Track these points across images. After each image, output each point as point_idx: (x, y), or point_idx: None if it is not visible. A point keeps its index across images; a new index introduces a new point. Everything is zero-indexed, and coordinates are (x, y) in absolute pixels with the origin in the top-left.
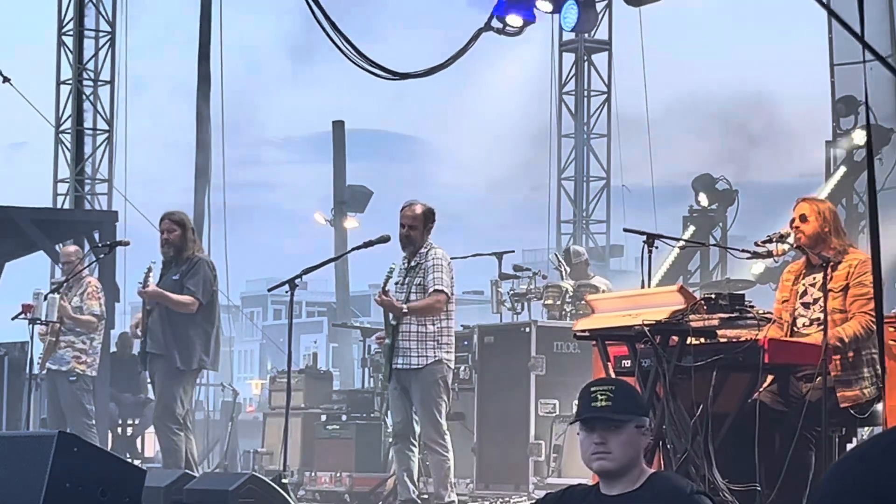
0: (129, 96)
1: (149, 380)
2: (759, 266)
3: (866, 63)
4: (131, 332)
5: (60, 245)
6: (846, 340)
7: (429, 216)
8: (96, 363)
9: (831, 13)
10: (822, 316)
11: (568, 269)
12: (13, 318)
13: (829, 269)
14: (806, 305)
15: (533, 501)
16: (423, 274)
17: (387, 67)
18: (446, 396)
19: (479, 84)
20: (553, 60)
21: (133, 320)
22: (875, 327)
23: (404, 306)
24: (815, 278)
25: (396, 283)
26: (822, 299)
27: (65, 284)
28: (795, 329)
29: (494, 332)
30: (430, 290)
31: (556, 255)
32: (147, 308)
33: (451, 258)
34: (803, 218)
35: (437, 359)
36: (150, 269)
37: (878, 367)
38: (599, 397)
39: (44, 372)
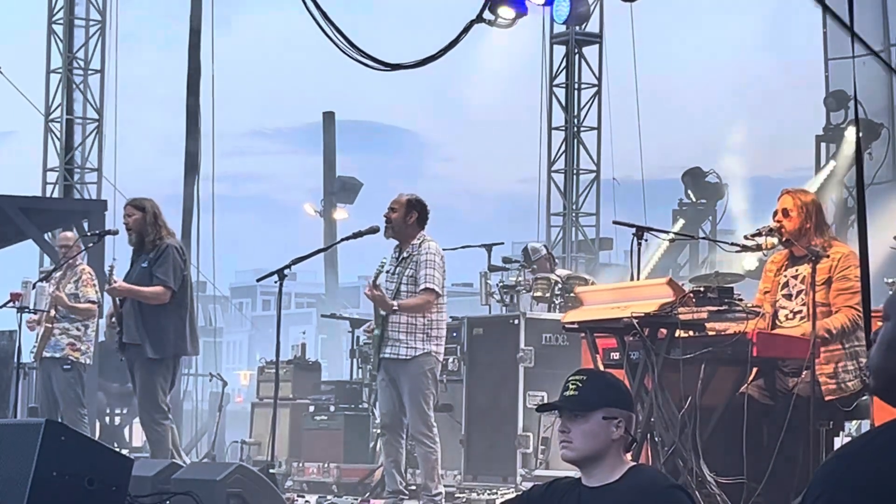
0: (118, 85)
1: (128, 371)
2: (751, 261)
3: (857, 58)
4: (106, 323)
5: (51, 234)
6: (833, 332)
7: (413, 204)
8: (90, 351)
9: (823, 5)
10: (804, 309)
11: (528, 266)
12: (1, 307)
13: (811, 263)
14: (788, 297)
15: (519, 493)
16: (416, 267)
17: (378, 58)
18: (434, 388)
19: (470, 76)
20: (544, 53)
21: (108, 311)
22: (861, 321)
23: (394, 303)
24: (797, 270)
25: (387, 272)
26: (804, 292)
27: (58, 272)
28: (777, 321)
29: (483, 323)
30: (421, 287)
31: (545, 247)
32: (119, 298)
33: (441, 249)
34: (786, 213)
35: (426, 351)
36: (112, 268)
37: (861, 359)
38: (570, 387)
39: (36, 362)
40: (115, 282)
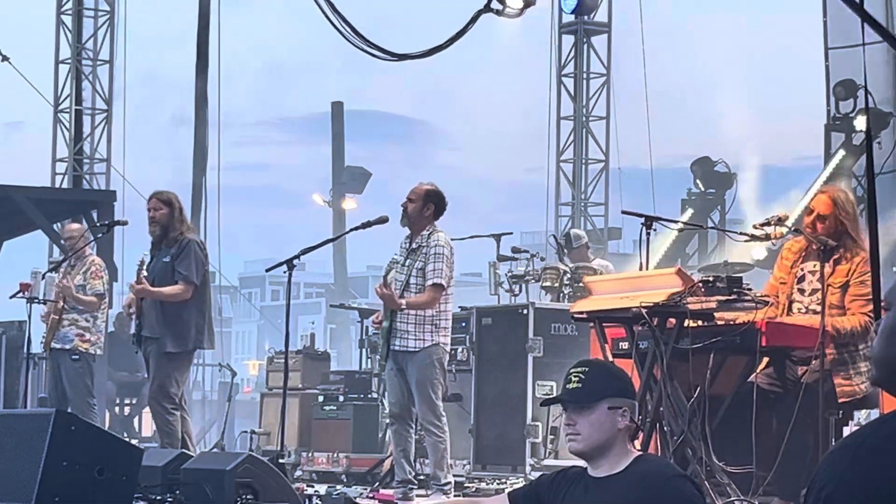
0: (127, 76)
1: (144, 361)
2: (760, 250)
3: (861, 48)
4: (124, 312)
5: (59, 224)
6: (842, 332)
7: (431, 195)
8: (100, 342)
9: None
10: (818, 308)
11: (566, 252)
12: (11, 297)
13: (832, 262)
14: (802, 292)
15: (528, 483)
16: (425, 259)
17: (386, 49)
18: (443, 378)
19: (479, 66)
20: (552, 42)
21: (125, 300)
22: (872, 328)
23: (402, 302)
24: (815, 265)
25: (397, 264)
26: (819, 291)
27: (67, 262)
28: (791, 313)
29: (492, 313)
30: (429, 282)
31: (554, 238)
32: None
33: (450, 239)
34: (822, 218)
35: (434, 342)
36: (142, 263)
37: None
38: (573, 379)
39: (45, 352)
40: (143, 281)
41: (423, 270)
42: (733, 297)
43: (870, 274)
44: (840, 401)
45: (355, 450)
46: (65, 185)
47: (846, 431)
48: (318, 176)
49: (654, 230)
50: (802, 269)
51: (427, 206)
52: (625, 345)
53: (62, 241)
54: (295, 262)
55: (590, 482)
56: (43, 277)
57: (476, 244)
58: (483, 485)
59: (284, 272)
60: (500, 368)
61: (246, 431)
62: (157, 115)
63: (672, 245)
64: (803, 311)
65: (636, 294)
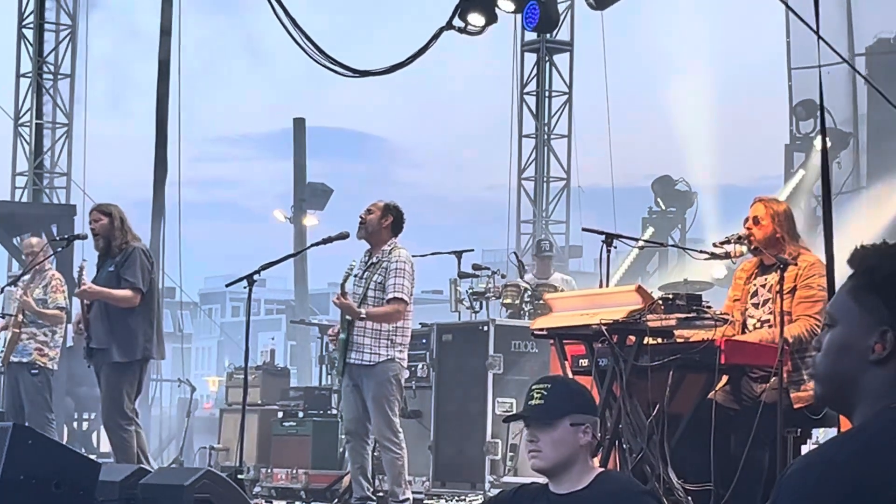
0: (88, 90)
1: (95, 376)
2: (720, 269)
3: (822, 67)
4: (74, 329)
5: (19, 238)
6: (789, 342)
7: (390, 209)
8: (58, 357)
9: (788, 7)
10: (770, 318)
11: (538, 257)
12: None
13: (779, 272)
14: (756, 306)
15: (487, 499)
16: (384, 274)
17: (347, 65)
18: (399, 394)
19: (441, 83)
20: (514, 60)
21: (75, 318)
22: (819, 330)
23: (362, 311)
24: (766, 279)
25: (355, 276)
26: (771, 300)
27: (26, 276)
28: (746, 330)
29: (453, 330)
30: (390, 296)
31: (515, 255)
32: (86, 304)
33: (411, 256)
34: (756, 220)
35: (389, 357)
36: (82, 268)
37: None
38: (535, 395)
39: (3, 367)
40: (85, 284)
41: (382, 285)
42: (693, 314)
43: (816, 277)
44: (796, 406)
45: (314, 466)
46: (25, 200)
47: (804, 449)
48: (279, 192)
49: (615, 248)
50: (755, 285)
51: (385, 217)
52: (584, 362)
53: (23, 256)
54: (255, 277)
55: (552, 499)
56: (2, 291)
57: (437, 261)
58: (442, 501)
59: (245, 288)
60: (460, 385)
61: (205, 447)
62: (118, 130)
63: (633, 263)
64: (758, 325)
65: (596, 311)
